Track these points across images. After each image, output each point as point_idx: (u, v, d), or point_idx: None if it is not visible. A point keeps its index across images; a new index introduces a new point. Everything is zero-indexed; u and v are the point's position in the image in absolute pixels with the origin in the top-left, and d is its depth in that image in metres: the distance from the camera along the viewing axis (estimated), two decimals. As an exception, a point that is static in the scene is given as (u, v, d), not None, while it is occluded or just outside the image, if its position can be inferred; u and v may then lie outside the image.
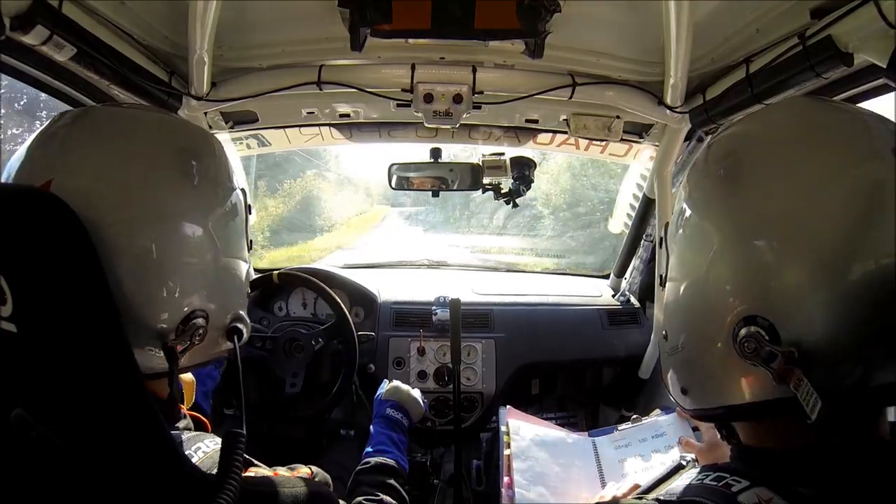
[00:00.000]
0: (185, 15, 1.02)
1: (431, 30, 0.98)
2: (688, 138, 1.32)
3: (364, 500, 0.86)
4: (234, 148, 1.54)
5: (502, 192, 1.43)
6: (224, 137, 1.44)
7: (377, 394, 1.19)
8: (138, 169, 0.57)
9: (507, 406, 1.20)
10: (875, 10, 0.69)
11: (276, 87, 1.19)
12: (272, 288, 1.65)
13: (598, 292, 1.88)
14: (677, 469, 0.85)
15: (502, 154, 1.40)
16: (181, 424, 0.65)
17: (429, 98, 1.19)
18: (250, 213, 0.73)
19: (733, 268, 0.50)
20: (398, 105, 1.26)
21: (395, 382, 1.20)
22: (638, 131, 1.39)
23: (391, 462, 0.97)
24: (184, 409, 0.69)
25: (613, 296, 1.85)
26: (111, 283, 0.51)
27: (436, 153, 1.40)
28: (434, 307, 1.64)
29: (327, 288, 1.49)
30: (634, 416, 1.15)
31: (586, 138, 1.47)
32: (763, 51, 0.98)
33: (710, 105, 1.14)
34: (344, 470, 1.01)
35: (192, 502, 0.50)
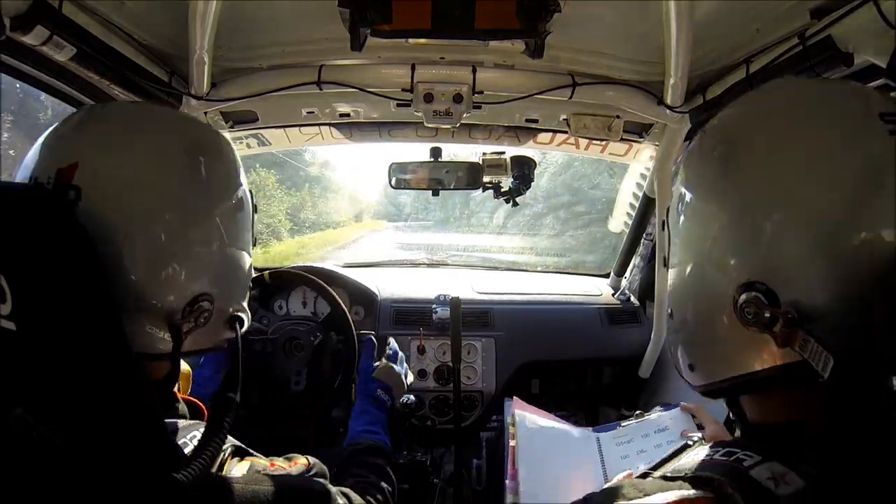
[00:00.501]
0: (185, 15, 1.02)
1: (431, 30, 0.98)
2: (688, 138, 1.32)
3: (355, 481, 0.86)
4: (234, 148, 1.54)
5: (502, 191, 1.43)
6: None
7: (365, 365, 1.18)
8: (150, 162, 0.60)
9: (514, 397, 1.20)
10: (875, 10, 0.69)
11: (276, 86, 1.19)
12: (272, 287, 1.65)
13: (598, 291, 1.88)
14: (684, 448, 0.85)
15: (502, 153, 1.40)
16: (177, 412, 0.66)
17: (429, 98, 1.19)
18: (256, 213, 0.75)
19: (732, 242, 0.51)
20: (398, 105, 1.26)
21: (389, 364, 1.19)
22: (638, 131, 1.39)
23: (379, 443, 0.98)
24: (180, 395, 0.70)
25: (613, 295, 1.85)
26: (121, 268, 0.54)
27: (436, 153, 1.40)
28: (434, 306, 1.64)
29: (325, 285, 1.49)
30: (638, 412, 1.15)
31: (586, 138, 1.47)
32: (763, 51, 0.98)
33: (710, 105, 1.14)
34: None
35: (188, 498, 0.50)
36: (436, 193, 1.44)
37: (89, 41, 0.90)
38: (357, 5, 0.94)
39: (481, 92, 1.22)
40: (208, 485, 0.55)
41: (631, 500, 0.46)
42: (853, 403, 0.45)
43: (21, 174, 0.58)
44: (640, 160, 1.57)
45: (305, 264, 1.75)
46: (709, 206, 0.54)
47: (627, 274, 1.79)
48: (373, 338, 1.29)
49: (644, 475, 0.55)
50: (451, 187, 1.44)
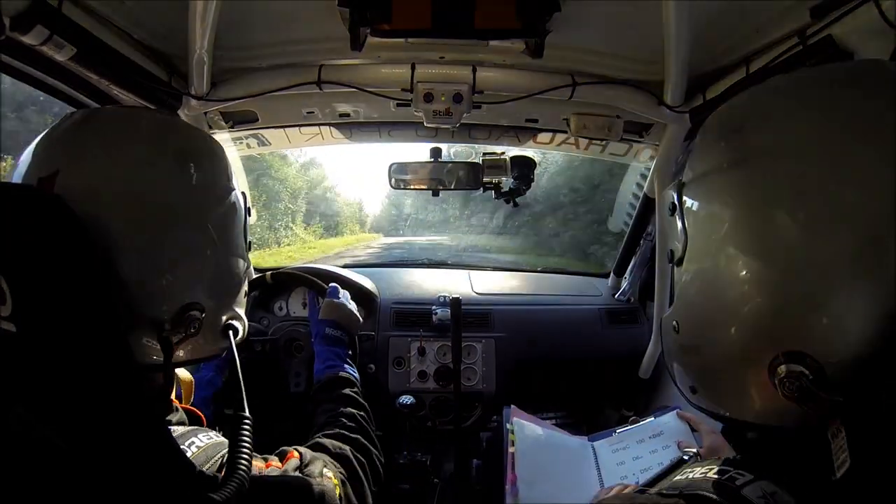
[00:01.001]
0: (185, 15, 1.02)
1: (431, 30, 0.98)
2: (688, 138, 1.32)
3: (326, 417, 0.89)
4: (234, 148, 1.54)
5: (502, 191, 1.43)
6: (224, 137, 1.44)
7: (311, 312, 1.20)
8: (139, 168, 0.59)
9: (512, 406, 1.20)
10: (875, 9, 0.69)
11: (276, 86, 1.19)
12: (273, 288, 1.65)
13: (597, 291, 1.88)
14: (679, 464, 0.85)
15: (502, 153, 1.40)
16: (174, 418, 0.66)
17: (429, 97, 1.19)
18: (249, 215, 0.75)
19: (774, 302, 0.44)
20: (398, 105, 1.26)
21: (330, 300, 1.19)
22: (638, 131, 1.39)
23: (341, 374, 1.00)
24: (178, 403, 0.70)
25: (613, 295, 1.85)
26: (111, 278, 0.53)
27: (436, 153, 1.40)
28: (434, 307, 1.64)
29: (325, 285, 1.49)
30: (633, 418, 1.15)
31: (586, 138, 1.47)
32: (763, 50, 0.98)
33: (710, 105, 1.14)
34: None
35: (189, 498, 0.50)
36: (436, 194, 1.44)
37: (89, 41, 0.90)
38: (357, 5, 0.94)
39: (481, 92, 1.21)
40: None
41: None
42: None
43: (14, 181, 0.58)
44: (640, 160, 1.57)
45: (305, 265, 1.74)
46: (750, 257, 0.46)
47: (627, 274, 1.78)
48: (314, 290, 1.30)
49: (641, 491, 0.55)
50: (451, 187, 1.44)
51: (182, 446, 0.58)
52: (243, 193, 0.72)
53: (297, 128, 1.49)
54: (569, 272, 2.16)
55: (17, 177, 0.58)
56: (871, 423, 0.40)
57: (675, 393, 1.63)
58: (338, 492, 0.70)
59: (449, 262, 2.23)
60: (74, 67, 0.92)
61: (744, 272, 0.45)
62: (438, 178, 1.41)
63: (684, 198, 0.53)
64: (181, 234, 0.61)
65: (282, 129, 1.50)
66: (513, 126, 1.47)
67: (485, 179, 1.40)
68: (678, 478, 0.51)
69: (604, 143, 1.53)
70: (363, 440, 0.86)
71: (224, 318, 0.68)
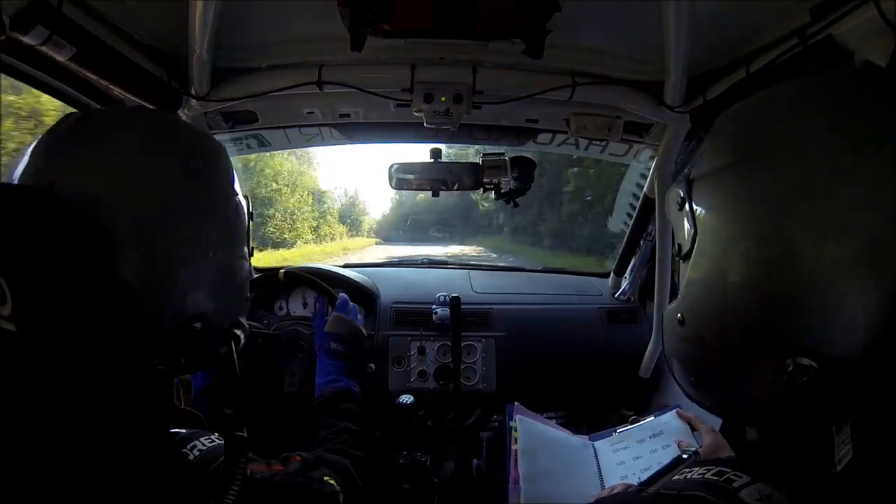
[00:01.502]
0: (185, 15, 1.02)
1: (431, 30, 0.98)
2: (688, 138, 1.32)
3: (327, 432, 0.90)
4: (234, 148, 1.54)
5: (502, 191, 1.43)
6: (224, 137, 1.44)
7: (318, 322, 1.21)
8: (142, 172, 0.58)
9: (516, 403, 1.20)
10: (875, 10, 0.69)
11: (276, 87, 1.19)
12: (273, 287, 1.65)
13: (597, 291, 1.88)
14: (678, 462, 0.85)
15: (502, 154, 1.40)
16: (175, 422, 0.66)
17: (429, 98, 1.19)
18: (252, 220, 0.73)
19: (781, 298, 0.44)
20: (398, 105, 1.26)
21: (338, 314, 1.20)
22: (638, 131, 1.39)
23: (340, 389, 1.03)
24: (178, 405, 0.70)
25: (613, 294, 1.85)
26: (112, 279, 0.52)
27: (436, 153, 1.40)
28: (434, 306, 1.64)
29: (326, 285, 1.49)
30: (633, 417, 1.15)
31: (586, 138, 1.47)
32: (763, 50, 0.98)
33: (710, 105, 1.14)
34: None
35: (193, 497, 0.50)
36: (436, 194, 1.44)
37: (89, 41, 0.90)
38: (357, 5, 0.94)
39: (481, 92, 1.21)
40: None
41: None
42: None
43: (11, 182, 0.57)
44: (640, 160, 1.57)
45: (305, 265, 1.75)
46: (765, 228, 0.45)
47: (627, 274, 1.79)
48: (323, 297, 1.31)
49: (639, 491, 0.55)
50: (451, 188, 1.44)
51: (184, 449, 0.58)
52: (246, 197, 0.71)
53: (297, 128, 1.49)
54: (569, 272, 2.16)
55: (15, 178, 0.57)
56: (877, 417, 0.40)
57: (674, 392, 1.63)
58: (340, 499, 0.71)
59: (449, 261, 2.23)
60: (74, 67, 0.92)
61: (750, 268, 0.46)
62: (438, 178, 1.41)
63: (693, 193, 0.53)
64: (183, 237, 0.60)
65: (282, 130, 1.50)
66: (513, 126, 1.47)
67: (485, 179, 1.40)
68: (676, 478, 0.51)
69: (604, 143, 1.53)
70: (361, 455, 0.88)
71: (226, 324, 0.66)
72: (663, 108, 1.20)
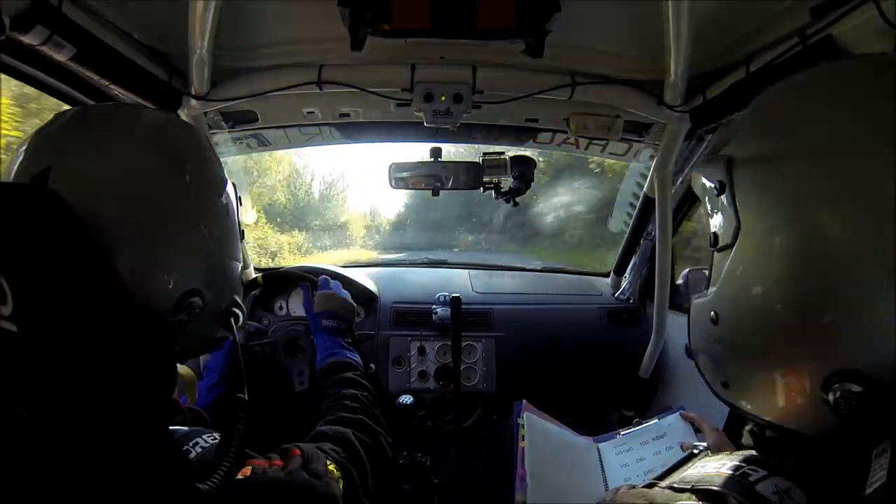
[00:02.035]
0: (185, 15, 1.02)
1: (431, 30, 0.98)
2: (688, 138, 1.32)
3: (329, 403, 0.90)
4: (234, 148, 1.54)
5: (502, 191, 1.43)
6: (224, 137, 1.44)
7: (307, 306, 1.22)
8: (132, 166, 0.59)
9: (524, 401, 1.20)
10: (875, 9, 0.69)
11: (276, 86, 1.19)
12: (272, 288, 1.65)
13: (598, 291, 1.88)
14: (690, 457, 0.85)
15: (502, 153, 1.40)
16: (178, 419, 0.66)
17: (429, 97, 1.19)
18: (241, 205, 0.76)
19: (831, 310, 0.41)
20: (398, 105, 1.26)
21: (322, 292, 1.20)
22: (638, 131, 1.39)
23: (341, 359, 1.03)
24: (181, 404, 0.70)
25: (614, 295, 1.85)
26: (110, 275, 0.52)
27: (436, 152, 1.40)
28: (434, 306, 1.64)
29: (305, 273, 1.50)
30: (636, 420, 1.15)
31: (586, 138, 1.47)
32: (763, 50, 0.98)
33: (710, 105, 1.14)
34: None
35: (192, 496, 0.50)
36: (436, 193, 1.44)
37: (89, 41, 0.90)
38: (357, 5, 0.94)
39: (481, 92, 1.21)
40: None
41: None
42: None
43: (6, 178, 0.58)
44: (640, 160, 1.57)
45: (305, 265, 1.75)
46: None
47: (627, 274, 1.79)
48: (306, 284, 1.33)
49: (650, 485, 0.55)
50: (451, 187, 1.44)
51: (186, 446, 0.58)
52: (233, 184, 0.73)
53: (297, 128, 1.49)
54: (569, 272, 2.16)
55: (9, 175, 0.58)
56: None
57: (675, 392, 1.63)
58: (341, 485, 0.70)
59: (449, 261, 2.23)
60: (74, 67, 0.92)
61: (799, 277, 0.43)
62: (438, 177, 1.41)
63: (736, 176, 0.48)
64: (178, 227, 0.61)
65: (282, 129, 1.50)
66: (513, 126, 1.47)
67: (485, 179, 1.40)
68: (690, 472, 0.51)
69: (604, 142, 1.53)
70: (366, 420, 0.87)
71: (223, 305, 0.68)
72: (663, 108, 1.20)
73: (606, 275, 1.94)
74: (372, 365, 1.58)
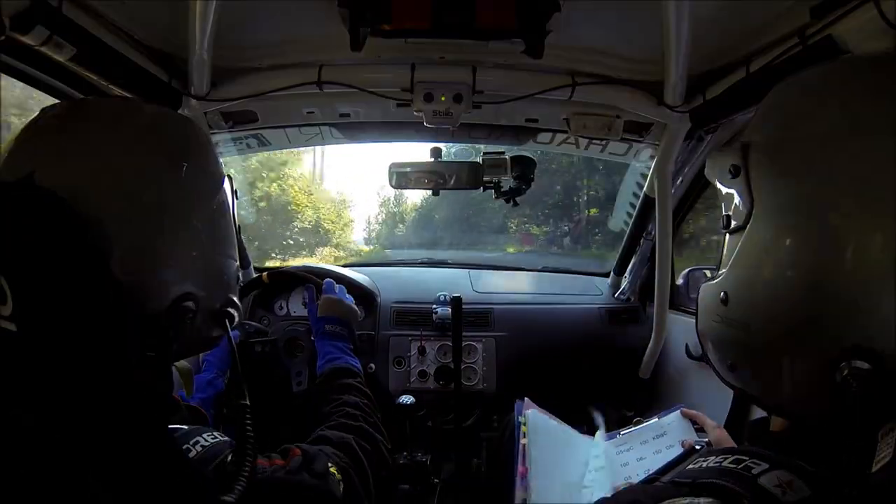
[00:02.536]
0: (185, 15, 1.01)
1: (431, 30, 0.98)
2: (688, 138, 1.32)
3: (330, 408, 0.90)
4: (234, 148, 1.54)
5: (502, 190, 1.43)
6: (224, 137, 1.44)
7: (310, 310, 1.21)
8: (124, 162, 0.57)
9: (525, 398, 1.20)
10: (875, 9, 0.69)
11: (276, 87, 1.19)
12: (272, 288, 1.65)
13: (598, 291, 1.89)
14: (690, 452, 0.85)
15: (502, 153, 1.41)
16: (178, 416, 0.66)
17: (429, 98, 1.19)
18: (237, 198, 0.73)
19: (844, 287, 0.42)
20: (398, 105, 1.26)
21: (328, 296, 1.20)
22: (638, 130, 1.39)
23: (343, 365, 1.02)
24: (180, 401, 0.70)
25: (614, 294, 1.85)
26: (107, 275, 0.51)
27: (436, 152, 1.40)
28: (434, 306, 1.64)
29: (310, 275, 1.49)
30: (636, 419, 1.15)
31: (586, 137, 1.47)
32: (763, 50, 0.98)
33: (710, 105, 1.14)
34: None
35: (192, 495, 0.50)
36: (436, 193, 1.44)
37: (89, 41, 0.90)
38: (357, 5, 0.94)
39: (481, 92, 1.21)
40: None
41: None
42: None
43: None
44: (640, 160, 1.57)
45: (305, 265, 1.75)
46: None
47: (627, 273, 1.79)
48: (312, 286, 1.31)
49: (652, 480, 0.54)
50: (451, 187, 1.44)
51: (186, 444, 0.58)
52: (229, 177, 0.71)
53: (297, 128, 1.49)
54: (569, 271, 2.16)
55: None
56: None
57: (674, 393, 1.63)
58: (341, 487, 0.70)
59: (449, 261, 2.23)
60: (74, 68, 0.92)
61: (811, 255, 0.43)
62: (438, 177, 1.41)
63: (751, 160, 0.49)
64: (172, 226, 0.59)
65: (282, 129, 1.50)
66: (513, 126, 1.47)
67: (485, 179, 1.41)
68: (691, 466, 0.50)
69: (604, 142, 1.53)
70: (367, 427, 0.86)
71: (218, 305, 0.66)
72: (663, 108, 1.20)
73: (606, 275, 1.94)
74: (372, 365, 1.58)
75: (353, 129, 1.52)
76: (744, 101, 1.06)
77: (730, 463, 0.46)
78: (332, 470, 0.71)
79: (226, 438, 0.63)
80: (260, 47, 1.17)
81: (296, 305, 1.70)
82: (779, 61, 0.91)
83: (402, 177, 1.42)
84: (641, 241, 1.67)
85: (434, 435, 1.59)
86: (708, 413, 1.04)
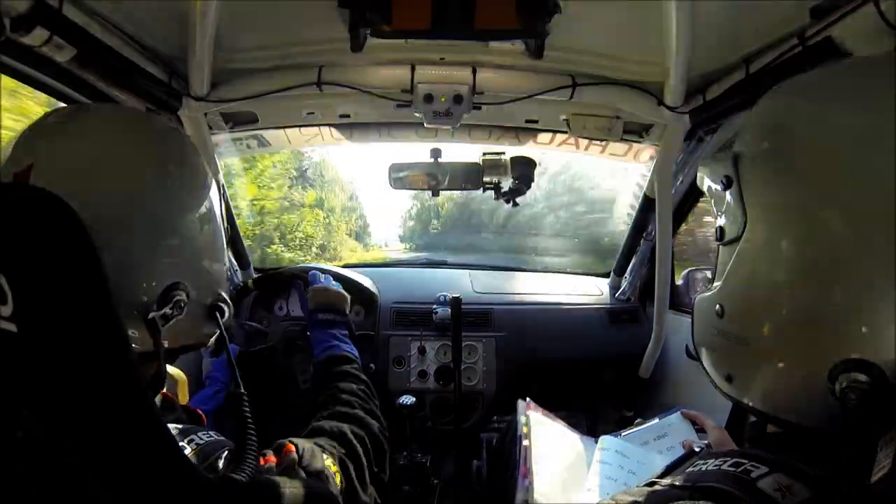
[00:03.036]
0: (186, 16, 1.02)
1: (431, 30, 0.98)
2: (688, 138, 1.32)
3: (325, 397, 0.90)
4: (234, 148, 1.54)
5: (502, 191, 1.43)
6: (224, 138, 1.44)
7: (302, 302, 1.22)
8: (118, 166, 0.61)
9: (528, 399, 1.20)
10: (875, 10, 0.69)
11: (276, 87, 1.19)
12: (272, 288, 1.65)
13: (598, 291, 1.89)
14: (690, 454, 0.84)
15: (502, 153, 1.41)
16: (173, 416, 0.67)
17: (429, 98, 1.19)
18: (224, 202, 0.75)
19: (838, 301, 0.41)
20: (398, 105, 1.26)
21: (314, 287, 1.20)
22: (638, 131, 1.39)
23: (337, 353, 1.03)
24: (176, 400, 0.71)
25: (614, 295, 1.85)
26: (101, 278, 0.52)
27: (436, 153, 1.40)
28: (434, 306, 1.64)
29: (295, 271, 1.50)
30: (637, 420, 1.15)
31: (586, 138, 1.47)
32: (763, 51, 0.98)
33: (710, 105, 1.14)
34: None
35: (188, 492, 0.50)
36: (435, 194, 1.44)
37: (89, 42, 0.90)
38: (357, 6, 0.94)
39: (481, 92, 1.22)
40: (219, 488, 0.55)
41: None
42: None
43: None
44: (640, 160, 1.57)
45: (305, 265, 1.75)
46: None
47: (627, 274, 1.79)
48: (299, 282, 1.33)
49: (651, 483, 0.55)
50: (451, 188, 1.44)
51: (181, 443, 0.58)
52: (219, 184, 0.74)
53: (297, 128, 1.49)
54: (569, 272, 2.16)
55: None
56: None
57: (674, 393, 1.63)
58: (338, 479, 0.70)
59: (449, 261, 2.23)
60: (75, 68, 0.92)
61: (806, 268, 0.43)
62: (438, 178, 1.41)
63: (742, 171, 0.48)
64: (162, 225, 0.62)
65: (282, 130, 1.50)
66: (513, 126, 1.47)
67: (485, 179, 1.41)
68: (690, 469, 0.50)
69: (604, 143, 1.53)
70: (362, 414, 0.86)
71: (209, 299, 0.69)
72: (663, 109, 1.20)
73: (606, 275, 1.94)
74: (372, 365, 1.58)
75: (352, 129, 1.52)
76: (744, 101, 1.06)
77: (729, 466, 0.46)
78: (328, 463, 0.71)
79: (221, 438, 0.63)
80: (260, 48, 1.17)
81: (295, 306, 1.70)
82: (779, 62, 0.92)
83: (402, 178, 1.43)
84: (641, 241, 1.67)
85: (434, 435, 1.59)
86: (708, 414, 1.04)
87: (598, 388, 1.84)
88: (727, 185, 0.50)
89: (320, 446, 0.73)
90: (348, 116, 1.40)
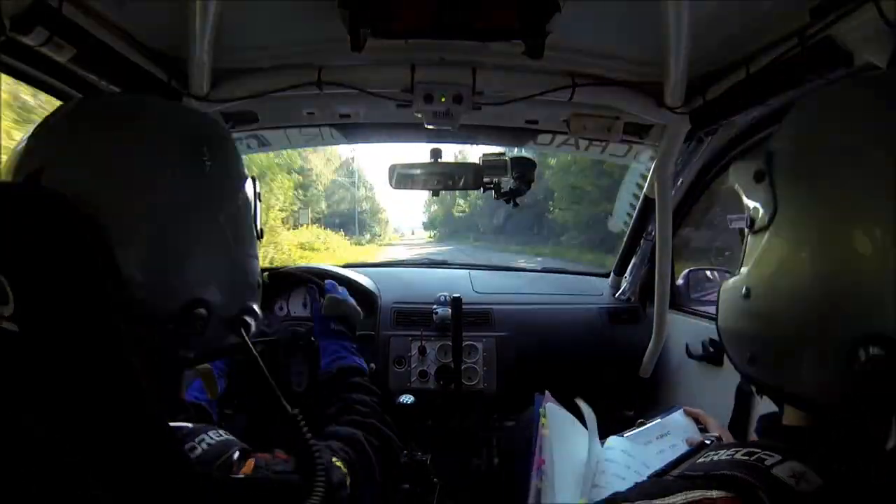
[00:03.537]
0: (185, 15, 1.01)
1: (431, 30, 0.98)
2: (688, 139, 1.32)
3: (339, 407, 0.90)
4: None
5: (502, 191, 1.43)
6: (224, 137, 1.44)
7: (315, 309, 1.21)
8: (144, 159, 0.56)
9: (546, 392, 1.20)
10: (875, 10, 0.69)
11: (276, 87, 1.19)
12: (272, 288, 1.65)
13: (598, 291, 1.89)
14: (701, 447, 0.84)
15: (502, 154, 1.41)
16: (183, 416, 0.65)
17: (429, 98, 1.19)
18: (260, 201, 0.71)
19: (860, 279, 0.44)
20: (398, 106, 1.26)
21: (332, 296, 1.20)
22: (638, 132, 1.39)
23: (350, 364, 1.02)
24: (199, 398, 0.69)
25: (614, 294, 1.85)
26: (113, 276, 0.51)
27: (436, 153, 1.40)
28: (435, 306, 1.64)
29: (312, 276, 1.49)
30: (639, 421, 1.15)
31: (586, 139, 1.47)
32: (763, 51, 0.98)
33: (710, 106, 1.14)
34: None
35: (193, 495, 0.50)
36: (436, 194, 1.44)
37: (89, 42, 0.89)
38: (357, 6, 0.94)
39: (481, 93, 1.21)
40: (222, 485, 0.55)
41: (655, 498, 0.46)
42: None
43: (3, 177, 0.57)
44: (640, 160, 1.57)
45: (305, 265, 1.75)
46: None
47: (627, 274, 1.79)
48: (313, 287, 1.32)
49: (658, 474, 0.54)
50: (451, 188, 1.44)
51: (192, 442, 0.57)
52: (253, 178, 0.69)
53: (297, 128, 1.49)
54: (569, 272, 2.16)
55: (5, 172, 0.56)
56: None
57: (674, 393, 1.63)
58: (347, 481, 0.70)
59: (449, 261, 2.23)
60: (75, 68, 0.92)
61: (829, 253, 0.46)
62: (438, 178, 1.41)
63: (776, 167, 0.52)
64: (190, 227, 0.58)
65: (282, 130, 1.50)
66: (513, 127, 1.47)
67: (485, 179, 1.41)
68: (701, 460, 0.50)
69: (604, 143, 1.53)
70: (376, 423, 0.87)
71: (235, 311, 0.64)
72: (663, 109, 1.20)
73: (606, 275, 1.94)
74: (372, 364, 1.57)
75: (353, 129, 1.52)
76: (744, 102, 1.06)
77: (742, 455, 0.47)
78: (339, 464, 0.71)
79: (231, 437, 0.63)
80: (260, 48, 1.17)
81: (296, 306, 1.69)
82: (779, 63, 0.92)
83: (402, 177, 1.43)
84: (641, 241, 1.67)
85: (434, 435, 1.59)
86: (708, 413, 1.04)
87: (598, 387, 1.84)
88: (759, 179, 0.53)
89: (331, 449, 0.73)
90: (348, 116, 1.40)
